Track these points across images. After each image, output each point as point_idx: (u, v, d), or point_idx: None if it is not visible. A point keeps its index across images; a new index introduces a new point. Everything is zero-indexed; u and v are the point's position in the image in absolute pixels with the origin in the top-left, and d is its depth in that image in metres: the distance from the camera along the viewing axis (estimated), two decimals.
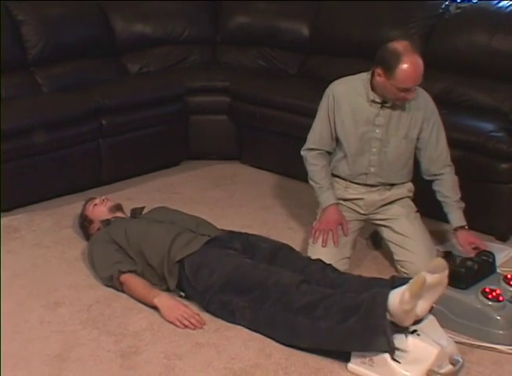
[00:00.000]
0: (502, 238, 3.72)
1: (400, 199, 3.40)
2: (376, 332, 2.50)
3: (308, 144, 3.42)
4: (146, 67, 5.19)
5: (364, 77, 3.25)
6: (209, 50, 5.38)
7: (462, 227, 3.32)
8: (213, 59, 5.38)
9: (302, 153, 3.45)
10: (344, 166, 3.37)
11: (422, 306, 2.55)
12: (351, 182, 3.39)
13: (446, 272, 2.57)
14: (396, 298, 2.49)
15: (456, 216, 3.32)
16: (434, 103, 3.32)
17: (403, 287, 2.51)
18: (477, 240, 3.31)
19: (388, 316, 2.52)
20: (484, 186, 3.70)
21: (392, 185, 3.38)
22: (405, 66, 3.04)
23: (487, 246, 3.29)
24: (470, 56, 4.24)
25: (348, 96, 3.29)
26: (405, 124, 3.25)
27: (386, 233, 3.42)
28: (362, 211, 3.41)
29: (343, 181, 3.41)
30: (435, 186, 3.35)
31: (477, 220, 3.76)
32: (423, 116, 3.26)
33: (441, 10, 4.50)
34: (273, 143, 4.69)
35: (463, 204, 3.33)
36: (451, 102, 4.21)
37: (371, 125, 3.26)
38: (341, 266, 3.21)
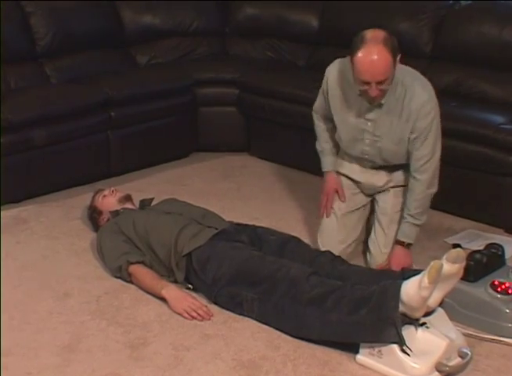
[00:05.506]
0: (511, 231, 3.70)
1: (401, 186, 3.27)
2: (386, 323, 2.50)
3: (314, 105, 3.38)
4: (154, 59, 5.19)
5: None
6: (218, 42, 5.37)
7: (402, 243, 3.17)
8: (222, 50, 5.37)
9: (312, 112, 3.41)
10: (341, 147, 3.32)
11: (435, 297, 2.55)
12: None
13: (464, 264, 2.57)
14: (413, 285, 2.49)
15: (402, 229, 3.17)
16: (437, 103, 3.02)
17: (419, 275, 2.50)
18: (407, 263, 3.14)
19: (401, 307, 2.51)
20: (494, 179, 3.69)
21: (394, 169, 3.24)
22: (361, 54, 2.79)
23: (410, 267, 3.07)
24: (481, 48, 4.22)
25: (340, 85, 3.12)
26: (396, 131, 3.04)
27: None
28: (366, 192, 3.35)
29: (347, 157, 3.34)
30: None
31: (486, 213, 3.78)
32: (414, 125, 2.98)
33: (451, 1, 4.48)
34: (282, 135, 4.68)
35: (418, 221, 3.13)
36: (461, 94, 4.20)
37: (362, 118, 3.10)
38: (349, 249, 3.31)
